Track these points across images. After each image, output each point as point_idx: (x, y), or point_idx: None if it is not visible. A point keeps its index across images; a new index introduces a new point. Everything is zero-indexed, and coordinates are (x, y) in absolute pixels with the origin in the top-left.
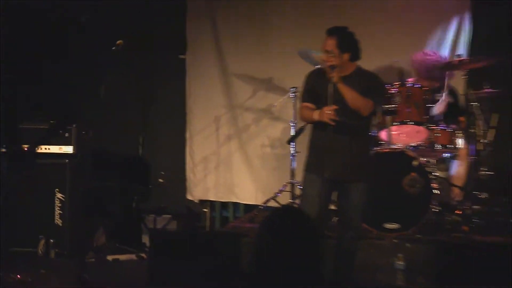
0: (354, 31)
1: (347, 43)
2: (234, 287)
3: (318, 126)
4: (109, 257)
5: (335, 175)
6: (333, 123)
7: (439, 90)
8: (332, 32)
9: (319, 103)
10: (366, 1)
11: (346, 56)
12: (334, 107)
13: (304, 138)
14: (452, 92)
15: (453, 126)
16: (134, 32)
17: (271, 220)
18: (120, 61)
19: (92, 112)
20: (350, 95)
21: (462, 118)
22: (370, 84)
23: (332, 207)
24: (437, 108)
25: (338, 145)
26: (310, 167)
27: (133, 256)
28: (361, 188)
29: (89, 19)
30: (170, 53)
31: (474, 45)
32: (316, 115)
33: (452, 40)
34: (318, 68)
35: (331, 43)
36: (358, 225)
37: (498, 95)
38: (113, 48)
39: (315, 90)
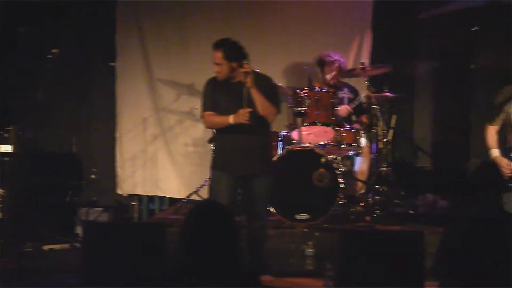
0: (266, 36)
1: (233, 53)
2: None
3: (226, 128)
4: (45, 247)
5: (242, 171)
6: (249, 123)
7: (341, 89)
8: (218, 45)
9: (219, 111)
10: (277, 13)
11: (234, 65)
12: (249, 109)
13: None
14: (354, 92)
15: (357, 125)
16: (69, 41)
17: (196, 212)
18: (56, 67)
19: (30, 114)
20: (260, 100)
21: (365, 119)
22: (267, 88)
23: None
24: (341, 110)
25: (245, 145)
26: (218, 165)
27: (67, 246)
28: (265, 182)
29: (27, 29)
30: (102, 60)
31: (375, 53)
32: (231, 119)
33: (356, 49)
34: (212, 78)
35: (219, 56)
36: (264, 215)
37: (396, 98)
38: (49, 56)
39: (215, 98)
